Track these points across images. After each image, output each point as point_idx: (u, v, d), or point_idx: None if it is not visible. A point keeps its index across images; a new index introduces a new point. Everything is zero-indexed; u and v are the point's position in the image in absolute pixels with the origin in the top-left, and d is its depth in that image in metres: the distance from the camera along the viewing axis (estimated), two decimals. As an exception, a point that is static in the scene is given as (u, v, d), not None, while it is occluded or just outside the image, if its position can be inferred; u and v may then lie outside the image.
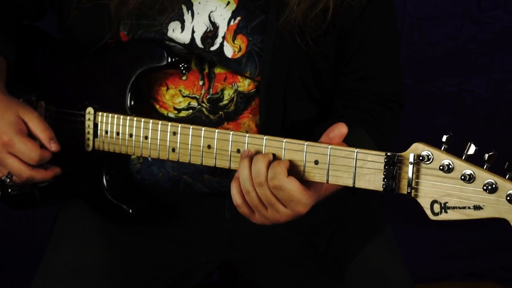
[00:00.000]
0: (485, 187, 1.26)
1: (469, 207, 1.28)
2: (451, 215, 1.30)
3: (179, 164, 1.72)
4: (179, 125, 1.59)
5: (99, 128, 1.72)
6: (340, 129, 1.43)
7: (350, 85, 1.79)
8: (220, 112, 1.73)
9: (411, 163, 1.32)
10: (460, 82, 3.11)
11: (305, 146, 1.44)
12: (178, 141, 1.59)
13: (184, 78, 1.72)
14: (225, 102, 1.72)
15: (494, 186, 1.25)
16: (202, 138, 1.56)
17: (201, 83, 1.72)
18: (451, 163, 1.29)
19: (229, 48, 1.70)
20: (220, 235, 1.86)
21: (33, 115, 1.66)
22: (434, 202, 1.31)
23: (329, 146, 1.41)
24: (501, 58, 3.07)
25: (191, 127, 1.57)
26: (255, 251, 1.88)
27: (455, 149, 1.32)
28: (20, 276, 2.97)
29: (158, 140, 1.62)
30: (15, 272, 3.09)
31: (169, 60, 1.66)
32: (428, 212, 1.32)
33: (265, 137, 1.48)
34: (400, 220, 3.08)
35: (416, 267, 3.03)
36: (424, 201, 1.32)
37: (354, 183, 1.39)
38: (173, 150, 1.60)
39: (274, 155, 1.46)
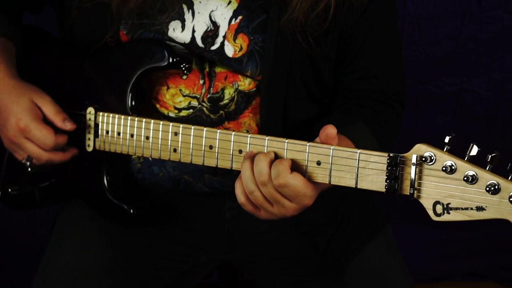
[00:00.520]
0: (487, 188, 1.26)
1: (471, 208, 1.28)
2: (453, 216, 1.30)
3: (179, 164, 1.72)
4: (181, 125, 1.59)
5: (100, 128, 1.72)
6: (328, 132, 1.44)
7: (351, 85, 1.79)
8: (221, 112, 1.73)
9: (413, 164, 1.32)
10: (460, 81, 3.11)
11: (308, 146, 1.44)
12: (180, 142, 1.59)
13: (184, 77, 1.72)
14: (225, 101, 1.72)
15: (497, 187, 1.25)
16: (204, 138, 1.55)
17: (201, 82, 1.72)
18: (453, 164, 1.29)
19: (230, 47, 1.70)
20: (220, 235, 1.86)
21: (46, 99, 1.69)
22: (436, 203, 1.31)
23: (332, 147, 1.41)
24: (501, 58, 3.07)
25: (192, 127, 1.57)
26: (255, 251, 1.88)
27: (455, 148, 1.32)
28: (20, 276, 2.97)
29: (160, 140, 1.62)
30: (15, 272, 3.10)
31: (170, 60, 1.66)
32: (430, 213, 1.32)
33: (267, 138, 1.48)
34: (400, 220, 3.09)
35: (416, 267, 3.03)
36: (427, 202, 1.32)
37: (356, 183, 1.40)
38: (175, 150, 1.60)
39: (275, 153, 1.46)
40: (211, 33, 1.70)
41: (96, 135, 1.73)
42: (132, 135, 1.67)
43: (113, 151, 1.71)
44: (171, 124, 1.60)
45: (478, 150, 1.28)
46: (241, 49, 1.70)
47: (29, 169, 1.74)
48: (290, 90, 1.72)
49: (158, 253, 1.83)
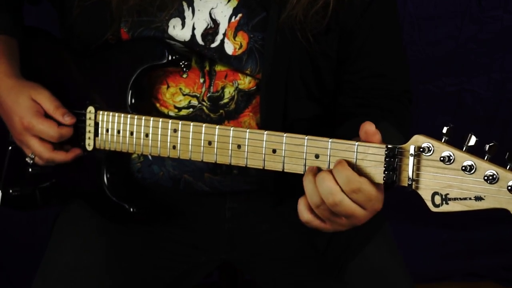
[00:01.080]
0: (486, 178, 1.26)
1: (470, 198, 1.27)
2: (452, 207, 1.29)
3: (179, 163, 1.72)
4: (180, 122, 1.59)
5: (100, 126, 1.72)
6: (367, 129, 1.40)
7: (358, 83, 1.78)
8: (221, 111, 1.73)
9: (411, 155, 1.32)
10: (460, 81, 3.12)
11: (306, 140, 1.44)
12: (179, 138, 1.59)
13: (184, 76, 1.72)
14: (225, 100, 1.72)
15: (495, 176, 1.25)
16: (203, 134, 1.56)
17: (201, 81, 1.72)
18: (451, 154, 1.29)
19: (229, 45, 1.70)
20: (220, 235, 1.86)
21: (44, 95, 1.73)
22: (435, 193, 1.31)
23: (330, 140, 1.41)
24: (501, 58, 3.08)
25: (191, 124, 1.57)
26: (255, 251, 1.87)
27: (455, 144, 1.32)
28: (20, 276, 2.97)
29: (159, 137, 1.62)
30: (15, 272, 3.10)
31: (170, 58, 1.66)
32: (429, 204, 1.32)
33: (265, 132, 1.49)
34: (400, 220, 3.09)
35: (416, 267, 3.03)
36: (425, 193, 1.32)
37: None
38: (174, 147, 1.60)
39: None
40: (211, 31, 1.70)
41: (96, 134, 1.73)
42: (131, 133, 1.67)
43: (113, 150, 1.71)
44: (170, 121, 1.61)
45: (476, 140, 1.28)
46: (240, 46, 1.70)
47: (30, 170, 1.76)
48: (289, 88, 1.72)
49: (158, 253, 1.83)
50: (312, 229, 1.49)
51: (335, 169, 1.38)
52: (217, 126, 1.54)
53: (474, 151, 1.29)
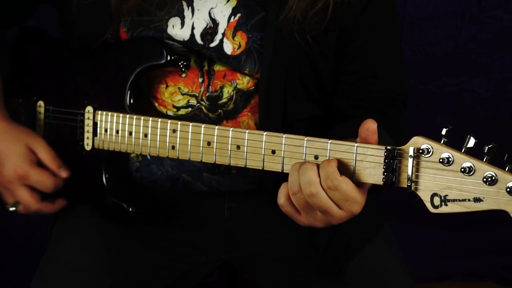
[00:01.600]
0: (485, 179, 1.26)
1: (469, 200, 1.28)
2: (451, 208, 1.30)
3: (178, 163, 1.72)
4: (179, 122, 1.59)
5: (98, 126, 1.72)
6: (369, 126, 1.40)
7: (355, 85, 1.78)
8: (219, 110, 1.73)
9: (411, 156, 1.32)
10: (460, 81, 3.12)
11: (305, 141, 1.44)
12: (178, 138, 1.59)
13: (183, 75, 1.72)
14: (224, 100, 1.72)
15: (494, 178, 1.25)
16: (202, 135, 1.56)
17: (200, 80, 1.72)
18: (450, 156, 1.29)
19: (228, 44, 1.70)
20: (220, 234, 1.86)
21: (41, 144, 1.73)
22: (434, 195, 1.31)
23: (329, 141, 1.41)
24: (501, 58, 3.08)
25: (190, 124, 1.57)
26: (255, 251, 1.87)
27: (455, 146, 1.32)
28: (20, 276, 2.96)
29: (158, 137, 1.62)
30: (15, 272, 3.10)
31: (169, 58, 1.66)
32: (428, 205, 1.32)
33: (264, 133, 1.49)
34: (400, 220, 3.09)
35: (416, 267, 3.03)
36: (424, 194, 1.32)
37: (354, 177, 1.39)
38: (173, 147, 1.60)
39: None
40: (210, 30, 1.70)
41: (94, 133, 1.73)
42: (130, 133, 1.67)
43: (112, 150, 1.71)
44: (169, 121, 1.60)
45: (475, 142, 1.28)
46: (239, 46, 1.70)
47: (9, 209, 1.74)
48: (288, 88, 1.71)
49: (158, 253, 1.83)
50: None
51: (321, 164, 1.39)
52: (216, 127, 1.54)
53: (473, 153, 1.30)
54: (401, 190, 1.37)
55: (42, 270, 1.76)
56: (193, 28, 1.70)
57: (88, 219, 1.82)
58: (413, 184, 1.33)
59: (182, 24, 1.70)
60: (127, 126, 1.67)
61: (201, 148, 1.56)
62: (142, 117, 1.65)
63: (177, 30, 1.70)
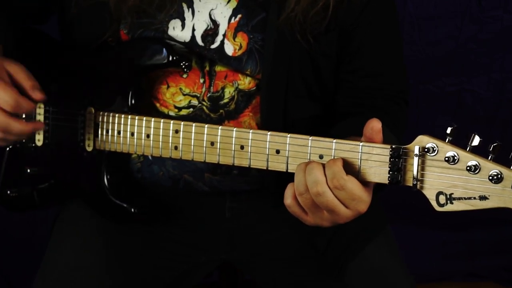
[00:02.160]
0: (490, 177, 1.26)
1: (474, 198, 1.28)
2: (456, 206, 1.30)
3: (179, 163, 1.72)
4: (182, 122, 1.59)
5: (99, 127, 1.72)
6: (373, 125, 1.40)
7: (355, 83, 1.79)
8: (221, 111, 1.73)
9: (416, 155, 1.32)
10: (460, 81, 3.12)
11: (310, 140, 1.44)
12: (181, 139, 1.59)
13: (185, 76, 1.72)
14: (225, 100, 1.72)
15: (499, 176, 1.26)
16: (205, 135, 1.55)
17: (201, 81, 1.72)
18: (456, 154, 1.29)
19: (229, 45, 1.70)
20: (220, 234, 1.86)
21: (19, 67, 1.62)
22: (439, 193, 1.31)
23: (334, 141, 1.41)
24: (501, 58, 3.09)
25: (194, 124, 1.57)
26: (255, 251, 1.87)
27: (458, 144, 1.32)
28: (20, 276, 2.97)
29: (161, 138, 1.62)
30: (15, 273, 3.10)
31: (170, 58, 1.66)
32: (433, 203, 1.32)
33: (269, 133, 1.48)
34: (401, 220, 3.09)
35: (417, 268, 3.02)
36: (430, 193, 1.33)
37: (359, 176, 1.39)
38: (176, 148, 1.60)
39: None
40: (211, 32, 1.70)
41: (96, 134, 1.73)
42: (132, 134, 1.66)
43: (114, 150, 1.71)
44: (172, 122, 1.60)
45: (480, 140, 1.28)
46: (240, 47, 1.70)
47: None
48: (290, 88, 1.72)
49: (158, 253, 1.83)
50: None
51: (327, 163, 1.38)
52: (220, 127, 1.54)
53: (476, 151, 1.30)
54: (402, 191, 1.38)
55: (43, 270, 1.76)
56: (193, 29, 1.70)
57: (88, 219, 1.81)
58: (418, 182, 1.33)
59: (183, 26, 1.70)
60: (129, 126, 1.67)
61: (204, 148, 1.56)
62: (144, 118, 1.64)
63: (177, 32, 1.70)
